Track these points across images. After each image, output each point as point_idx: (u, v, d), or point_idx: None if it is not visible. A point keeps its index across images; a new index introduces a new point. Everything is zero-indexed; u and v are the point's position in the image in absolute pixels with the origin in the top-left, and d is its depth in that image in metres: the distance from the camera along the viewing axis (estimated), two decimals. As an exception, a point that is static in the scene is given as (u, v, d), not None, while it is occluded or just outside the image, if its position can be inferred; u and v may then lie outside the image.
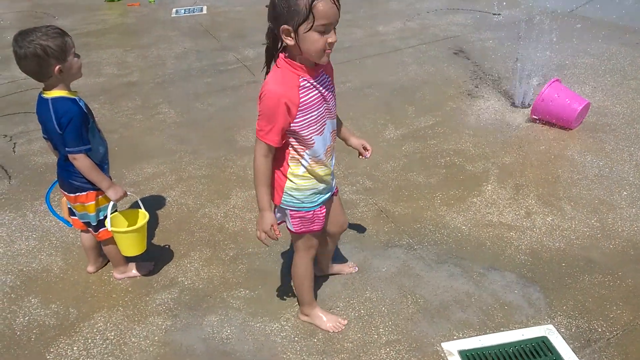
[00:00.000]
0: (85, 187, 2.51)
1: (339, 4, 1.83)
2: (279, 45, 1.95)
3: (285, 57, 1.94)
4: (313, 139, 2.04)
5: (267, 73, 2.03)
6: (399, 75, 5.07)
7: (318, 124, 2.04)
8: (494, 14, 6.63)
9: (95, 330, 2.54)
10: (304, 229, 2.23)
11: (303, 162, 2.09)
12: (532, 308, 2.51)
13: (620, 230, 2.96)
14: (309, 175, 2.12)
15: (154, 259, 2.93)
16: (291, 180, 2.12)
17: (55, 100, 2.33)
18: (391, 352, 2.33)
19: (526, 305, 2.52)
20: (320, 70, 2.01)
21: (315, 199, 2.18)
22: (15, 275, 2.90)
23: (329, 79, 2.09)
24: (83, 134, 2.37)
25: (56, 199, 3.48)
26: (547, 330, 2.38)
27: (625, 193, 3.26)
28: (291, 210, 2.19)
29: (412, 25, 6.47)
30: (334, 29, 1.86)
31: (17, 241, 3.16)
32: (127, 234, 2.61)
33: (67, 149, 2.36)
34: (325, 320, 2.47)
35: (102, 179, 2.48)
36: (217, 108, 4.66)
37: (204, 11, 7.74)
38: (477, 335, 2.38)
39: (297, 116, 1.96)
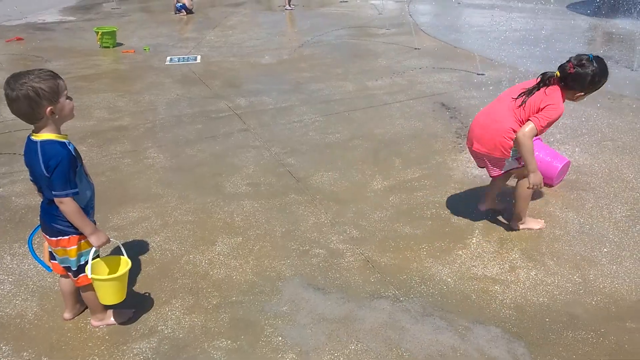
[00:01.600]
0: (68, 231, 2.47)
1: None
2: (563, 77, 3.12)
3: (562, 86, 3.14)
4: None
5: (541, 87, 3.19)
6: (386, 128, 5.19)
7: None
8: (478, 74, 6.88)
9: (68, 380, 2.45)
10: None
11: None
12: (517, 364, 2.48)
13: (601, 286, 2.99)
14: None
15: (134, 306, 2.87)
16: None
17: (44, 143, 2.31)
18: (375, 407, 2.27)
19: (511, 361, 2.50)
20: None
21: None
22: (-11, 320, 2.81)
23: None
24: (71, 178, 2.35)
25: (36, 242, 3.42)
26: (533, 388, 2.35)
27: (605, 250, 3.30)
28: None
29: (400, 81, 6.68)
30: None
31: (-8, 284, 3.09)
32: (107, 282, 2.56)
33: (53, 192, 2.34)
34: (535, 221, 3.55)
35: (86, 225, 2.45)
36: (207, 154, 4.70)
37: (198, 60, 7.92)
38: (462, 392, 2.34)
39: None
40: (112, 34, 8.81)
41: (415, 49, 8.30)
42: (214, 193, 4.05)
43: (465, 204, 3.83)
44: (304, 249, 3.36)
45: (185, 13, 11.66)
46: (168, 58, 8.04)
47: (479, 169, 4.30)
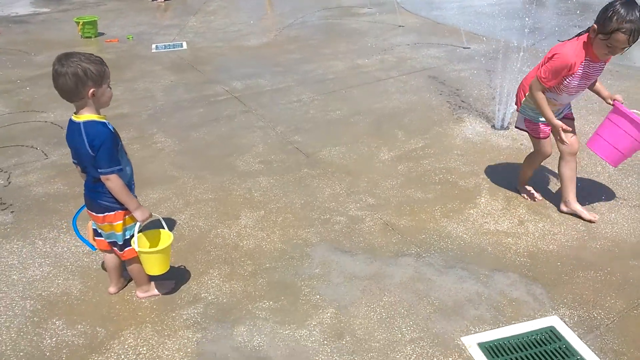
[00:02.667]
0: (114, 206, 2.62)
1: None
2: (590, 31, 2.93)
3: (588, 38, 2.96)
4: (563, 94, 3.16)
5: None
6: (384, 103, 5.39)
7: (573, 90, 3.12)
8: (464, 47, 7.12)
9: (126, 346, 2.61)
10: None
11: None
12: (537, 302, 2.74)
13: (604, 232, 3.27)
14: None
15: (174, 277, 3.03)
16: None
17: (87, 123, 2.45)
18: (416, 348, 2.51)
19: (531, 300, 2.76)
20: (599, 62, 3.06)
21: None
22: (35, 300, 2.93)
23: (602, 66, 3.12)
24: (114, 155, 2.50)
25: (72, 225, 3.54)
26: (554, 321, 2.61)
27: (603, 200, 3.59)
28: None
29: (390, 58, 6.87)
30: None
31: (30, 268, 3.20)
32: (153, 254, 2.72)
33: (100, 170, 2.48)
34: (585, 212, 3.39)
35: (131, 200, 2.60)
36: (214, 136, 4.83)
37: (184, 47, 7.95)
38: (491, 329, 2.59)
39: (566, 80, 3.04)
40: (94, 23, 8.73)
41: (400, 26, 8.48)
42: (228, 172, 4.20)
43: (470, 168, 4.07)
44: (325, 217, 3.55)
45: (162, 0, 11.57)
46: (153, 46, 8.04)
47: (478, 136, 4.56)
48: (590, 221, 3.35)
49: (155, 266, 2.75)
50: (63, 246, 3.37)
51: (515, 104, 3.48)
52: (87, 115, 2.47)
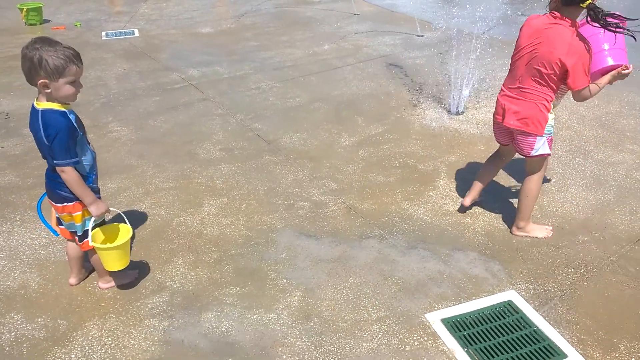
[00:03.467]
0: (72, 197, 2.54)
1: None
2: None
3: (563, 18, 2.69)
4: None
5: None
6: (342, 90, 5.43)
7: None
8: (418, 35, 7.24)
9: (90, 337, 2.56)
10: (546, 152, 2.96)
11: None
12: (495, 278, 2.87)
13: (554, 210, 3.44)
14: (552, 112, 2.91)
15: (137, 267, 2.99)
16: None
17: (45, 112, 2.36)
18: (382, 326, 2.58)
19: (490, 277, 2.88)
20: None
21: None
22: (-10, 295, 2.84)
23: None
24: (70, 147, 2.40)
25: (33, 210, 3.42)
26: (511, 295, 2.74)
27: (553, 180, 3.77)
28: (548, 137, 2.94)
29: (346, 45, 6.91)
30: None
31: (-17, 262, 3.08)
32: (110, 249, 2.64)
33: (55, 161, 2.40)
34: (539, 229, 3.17)
35: (87, 194, 2.51)
36: (172, 124, 4.75)
37: (136, 34, 7.73)
38: (454, 305, 2.69)
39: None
40: (38, 10, 8.36)
41: (355, 14, 8.54)
42: (188, 160, 4.15)
43: (428, 152, 4.18)
44: (288, 203, 3.57)
45: (110, -13, 11.17)
46: (103, 33, 7.79)
47: (435, 121, 4.68)
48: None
49: (113, 262, 2.67)
50: (18, 239, 3.26)
51: (533, 132, 2.91)
52: (46, 103, 2.38)
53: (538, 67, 2.77)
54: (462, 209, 3.44)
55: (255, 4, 9.44)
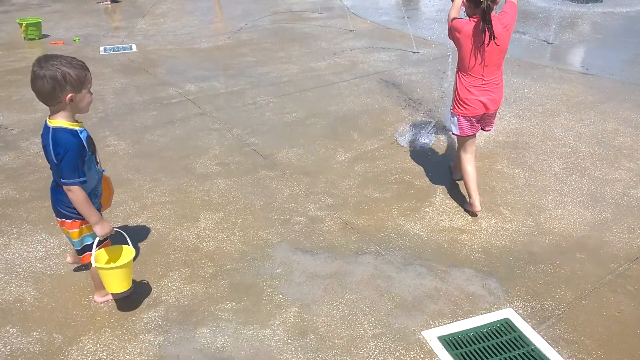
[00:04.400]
0: (71, 215, 2.54)
1: None
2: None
3: None
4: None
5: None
6: (339, 105, 5.46)
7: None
8: (413, 52, 7.31)
9: (85, 352, 2.53)
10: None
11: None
12: (492, 296, 2.86)
13: (551, 227, 3.45)
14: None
15: (133, 281, 2.96)
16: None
17: (56, 130, 2.35)
18: (379, 343, 2.56)
19: (487, 294, 2.87)
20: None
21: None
22: (-16, 309, 2.81)
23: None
24: (78, 166, 2.39)
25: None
26: (508, 313, 2.73)
27: (550, 197, 3.78)
28: None
29: (342, 61, 6.97)
30: None
31: (-23, 276, 3.05)
32: (112, 270, 2.61)
33: (62, 180, 2.39)
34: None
35: (92, 214, 2.50)
36: (169, 139, 4.75)
37: (134, 49, 7.78)
38: (450, 323, 2.68)
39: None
40: (38, 25, 8.40)
41: (351, 30, 8.62)
42: (185, 174, 4.15)
43: (424, 168, 4.19)
44: (284, 218, 3.57)
45: (109, 2, 11.26)
46: (102, 48, 7.83)
47: (429, 136, 4.71)
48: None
49: (114, 283, 2.64)
50: (14, 252, 3.24)
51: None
52: (59, 121, 2.37)
53: (499, 57, 3.32)
54: (475, 214, 3.59)
55: (252, 20, 9.53)
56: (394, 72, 6.51)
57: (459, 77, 3.42)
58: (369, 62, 6.94)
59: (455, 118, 3.50)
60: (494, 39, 3.18)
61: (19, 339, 2.60)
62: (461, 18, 3.37)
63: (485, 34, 3.18)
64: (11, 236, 3.38)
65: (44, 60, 2.29)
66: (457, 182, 3.98)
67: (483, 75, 3.34)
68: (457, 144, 3.73)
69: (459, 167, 3.70)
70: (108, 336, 2.61)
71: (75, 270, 3.06)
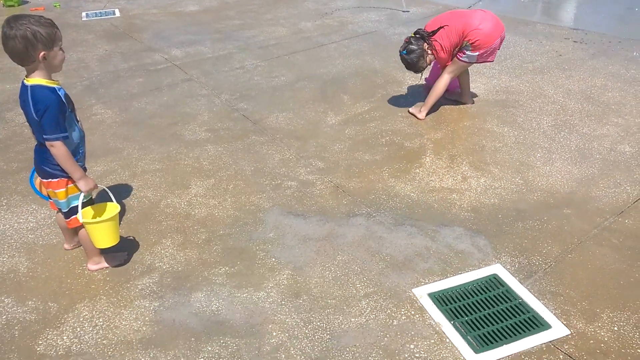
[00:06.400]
0: (56, 174, 2.56)
1: None
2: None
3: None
4: None
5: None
6: (328, 68, 5.40)
7: None
8: (403, 11, 7.19)
9: (81, 319, 2.57)
10: None
11: None
12: (481, 253, 2.91)
13: (539, 184, 3.48)
14: None
15: (125, 249, 2.99)
16: None
17: (34, 87, 2.36)
18: (370, 302, 2.61)
19: (476, 252, 2.92)
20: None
21: None
22: (-22, 280, 2.83)
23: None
24: (60, 122, 2.41)
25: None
26: (496, 269, 2.79)
27: (539, 155, 3.81)
28: None
29: (331, 22, 6.85)
30: None
31: (-31, 248, 3.06)
32: (99, 224, 2.65)
33: (44, 135, 2.41)
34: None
35: (75, 169, 2.53)
36: (157, 106, 4.70)
37: (117, 14, 7.60)
38: (440, 280, 2.73)
39: None
40: (17, -9, 8.17)
41: (339, -10, 8.44)
42: (174, 141, 4.12)
43: (414, 130, 4.19)
44: (276, 183, 3.58)
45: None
46: (84, 14, 7.65)
47: (421, 97, 4.68)
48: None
49: (102, 238, 2.68)
50: (5, 223, 3.24)
51: None
52: (36, 79, 2.39)
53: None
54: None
55: (238, -18, 9.29)
56: (383, 33, 6.42)
57: None
58: (358, 22, 6.83)
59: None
60: None
61: (15, 308, 2.63)
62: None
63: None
64: (1, 207, 3.38)
65: (13, 20, 2.28)
66: (443, 144, 3.99)
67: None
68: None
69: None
70: (103, 303, 2.65)
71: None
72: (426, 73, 4.75)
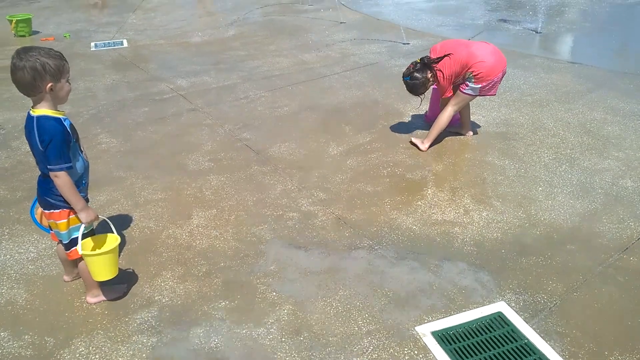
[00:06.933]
0: (59, 205, 2.55)
1: None
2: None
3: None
4: None
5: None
6: (330, 98, 5.45)
7: None
8: (404, 43, 7.28)
9: (78, 355, 2.52)
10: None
11: None
12: (484, 289, 2.87)
13: (542, 219, 3.46)
14: None
15: (124, 281, 2.96)
16: None
17: (40, 118, 2.39)
18: (373, 340, 2.57)
19: (480, 288, 2.88)
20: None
21: None
22: (-24, 312, 2.79)
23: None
24: (64, 153, 2.43)
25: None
26: (501, 307, 2.75)
27: (540, 188, 3.80)
28: None
29: (333, 54, 6.94)
30: None
31: (-31, 278, 3.04)
32: (98, 257, 2.62)
33: (48, 166, 2.42)
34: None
35: (78, 201, 2.53)
36: (161, 135, 4.73)
37: (125, 44, 7.72)
38: (444, 317, 2.69)
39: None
40: (28, 21, 8.33)
41: (341, 22, 8.58)
42: (177, 171, 4.13)
43: (415, 161, 4.20)
44: (277, 214, 3.57)
45: (99, -4, 11.15)
46: (92, 44, 7.77)
47: (422, 129, 4.70)
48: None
49: (101, 271, 2.66)
50: (5, 254, 3.22)
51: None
52: (42, 110, 2.42)
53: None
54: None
55: (243, 13, 9.47)
56: (384, 64, 6.50)
57: None
58: (359, 54, 6.92)
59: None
60: None
61: (10, 342, 2.59)
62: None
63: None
64: (2, 237, 3.36)
65: (23, 52, 2.32)
66: (445, 176, 3.99)
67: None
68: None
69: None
70: (101, 338, 2.61)
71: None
72: (425, 103, 4.80)
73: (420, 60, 4.20)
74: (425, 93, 4.32)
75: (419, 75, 4.16)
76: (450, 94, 4.25)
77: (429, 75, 4.15)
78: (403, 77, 4.26)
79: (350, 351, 2.50)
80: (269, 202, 3.69)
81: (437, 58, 4.12)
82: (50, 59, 2.33)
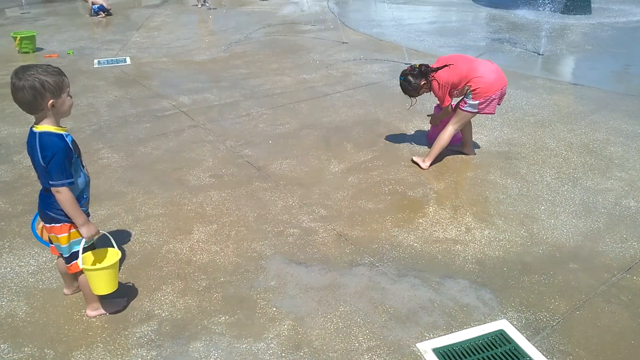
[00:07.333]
0: (60, 219, 2.55)
1: None
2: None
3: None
4: None
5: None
6: (332, 117, 5.48)
7: None
8: (405, 63, 7.35)
9: (76, 368, 2.50)
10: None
11: None
12: (486, 307, 2.86)
13: (545, 237, 3.46)
14: None
15: (124, 295, 2.94)
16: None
17: (42, 134, 2.40)
18: (374, 356, 2.54)
19: (481, 305, 2.87)
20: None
21: None
22: (-26, 324, 2.77)
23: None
24: (66, 168, 2.44)
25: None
26: (503, 324, 2.73)
27: (543, 208, 3.80)
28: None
29: (335, 73, 7.01)
30: None
31: (-32, 291, 3.02)
32: (98, 271, 2.62)
33: (50, 182, 2.43)
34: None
35: (79, 215, 2.53)
36: (162, 151, 4.74)
37: (128, 62, 7.79)
38: (445, 335, 2.67)
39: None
40: (32, 38, 8.42)
41: (344, 42, 8.68)
42: (178, 187, 4.14)
43: (417, 179, 4.20)
44: (278, 230, 3.56)
45: (103, 15, 11.30)
46: (96, 61, 7.84)
47: (423, 147, 4.72)
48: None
49: (101, 285, 2.65)
50: (6, 266, 3.21)
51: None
52: (44, 126, 2.43)
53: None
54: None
55: (246, 32, 9.58)
56: (386, 84, 6.55)
57: None
58: (361, 73, 6.99)
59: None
60: None
61: (10, 354, 2.57)
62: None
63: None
64: (3, 250, 3.35)
65: (22, 71, 2.34)
66: (447, 194, 3.99)
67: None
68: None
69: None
70: (100, 351, 2.59)
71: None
72: (423, 116, 4.82)
73: (419, 66, 4.27)
74: (417, 98, 4.44)
75: (412, 80, 4.26)
76: (449, 103, 4.28)
77: (422, 83, 4.23)
78: (399, 77, 4.39)
79: (351, 367, 2.48)
80: (269, 218, 3.69)
81: (436, 67, 4.17)
82: (49, 76, 2.35)
